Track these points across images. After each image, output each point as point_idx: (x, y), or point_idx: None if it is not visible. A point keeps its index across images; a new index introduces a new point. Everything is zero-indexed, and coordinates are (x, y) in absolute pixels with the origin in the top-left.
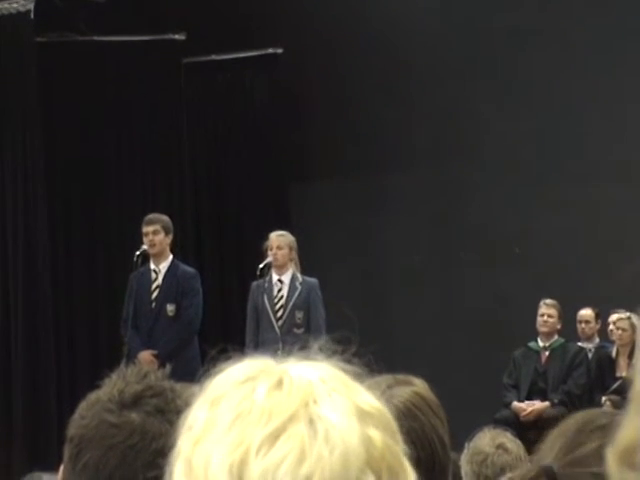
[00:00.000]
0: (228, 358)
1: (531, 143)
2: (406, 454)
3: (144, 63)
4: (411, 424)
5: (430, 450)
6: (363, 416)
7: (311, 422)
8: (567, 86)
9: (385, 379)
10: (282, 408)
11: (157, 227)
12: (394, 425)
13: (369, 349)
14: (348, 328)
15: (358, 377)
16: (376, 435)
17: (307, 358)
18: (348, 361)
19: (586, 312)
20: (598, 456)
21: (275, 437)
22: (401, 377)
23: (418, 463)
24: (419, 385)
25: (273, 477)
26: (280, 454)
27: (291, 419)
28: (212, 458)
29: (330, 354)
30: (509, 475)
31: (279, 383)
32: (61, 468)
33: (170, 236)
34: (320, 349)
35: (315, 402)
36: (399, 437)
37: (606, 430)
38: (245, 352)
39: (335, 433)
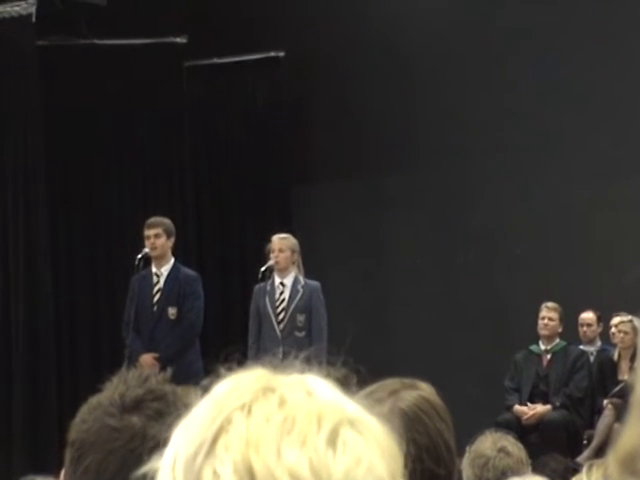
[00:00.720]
0: (231, 362)
1: (534, 144)
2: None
3: (146, 66)
4: (417, 428)
5: (436, 454)
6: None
7: (353, 425)
8: (570, 85)
9: (391, 383)
10: (327, 413)
11: (158, 230)
12: None
13: (370, 351)
14: (349, 331)
15: (352, 384)
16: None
17: (302, 366)
18: (341, 368)
19: (588, 315)
20: None
21: (333, 439)
22: (407, 381)
23: (424, 467)
24: (426, 389)
25: (355, 475)
26: (351, 455)
27: (339, 423)
28: (284, 456)
29: (328, 361)
30: None
31: (309, 392)
32: (62, 472)
33: (172, 239)
34: (317, 356)
35: (347, 407)
36: None
37: None
38: (247, 355)
39: (378, 436)
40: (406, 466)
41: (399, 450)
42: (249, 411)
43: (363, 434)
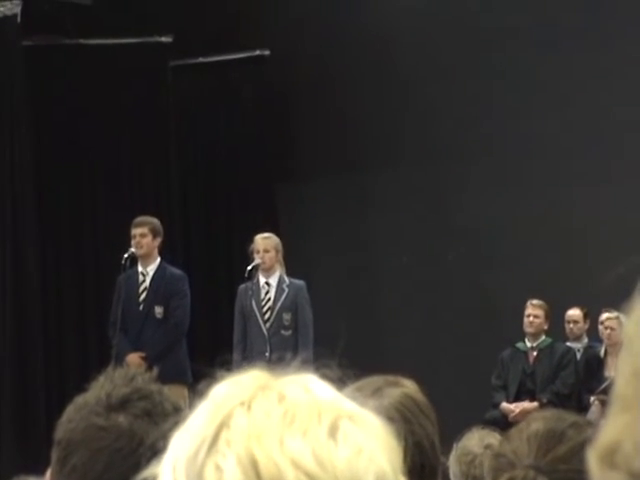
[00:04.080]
0: (217, 362)
1: (518, 143)
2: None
3: (131, 66)
4: (400, 425)
5: (419, 451)
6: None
7: (353, 419)
8: (553, 85)
9: (375, 380)
10: (326, 408)
11: (144, 230)
12: None
13: (357, 349)
14: (335, 329)
15: (344, 384)
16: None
17: (294, 367)
18: (335, 367)
19: (574, 312)
20: (576, 453)
21: (333, 431)
22: (391, 378)
23: (407, 465)
24: (409, 386)
25: (357, 464)
26: (352, 446)
27: (338, 417)
28: (287, 446)
29: (317, 361)
30: None
31: (307, 389)
32: (49, 471)
33: (158, 239)
34: (307, 358)
35: (344, 403)
36: None
37: (577, 428)
38: (233, 354)
39: (377, 430)
40: (405, 460)
41: (397, 444)
42: (249, 407)
43: (362, 427)
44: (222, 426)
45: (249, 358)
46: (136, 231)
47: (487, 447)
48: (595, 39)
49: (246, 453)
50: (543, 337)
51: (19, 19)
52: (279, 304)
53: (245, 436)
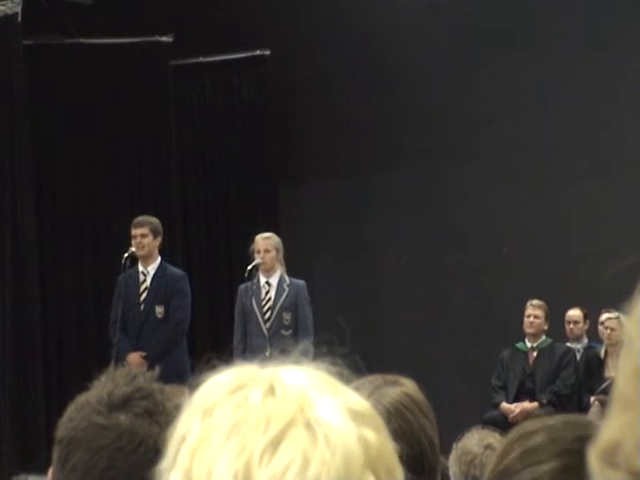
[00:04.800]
0: (217, 364)
1: (518, 145)
2: (396, 451)
3: (132, 65)
4: (400, 424)
5: (419, 450)
6: (356, 416)
7: (309, 426)
8: (554, 88)
9: (374, 379)
10: (279, 414)
11: (145, 230)
12: (383, 424)
13: (357, 349)
14: (336, 329)
15: (345, 379)
16: (371, 435)
17: (293, 362)
18: (334, 363)
19: (574, 312)
20: (519, 461)
21: (276, 444)
22: (390, 377)
23: (407, 464)
24: (408, 385)
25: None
26: (284, 461)
27: (289, 424)
28: (214, 468)
29: (316, 356)
30: None
31: (271, 389)
32: (50, 470)
33: (159, 238)
34: (306, 352)
35: (310, 406)
36: (388, 435)
37: (527, 438)
38: (233, 354)
39: (334, 436)
40: (402, 460)
41: (365, 454)
42: (210, 415)
43: (315, 434)
44: (183, 438)
45: (249, 358)
46: (136, 231)
47: (487, 447)
48: (595, 40)
49: (187, 472)
50: (543, 337)
51: (20, 18)
52: (279, 304)
53: (190, 452)
